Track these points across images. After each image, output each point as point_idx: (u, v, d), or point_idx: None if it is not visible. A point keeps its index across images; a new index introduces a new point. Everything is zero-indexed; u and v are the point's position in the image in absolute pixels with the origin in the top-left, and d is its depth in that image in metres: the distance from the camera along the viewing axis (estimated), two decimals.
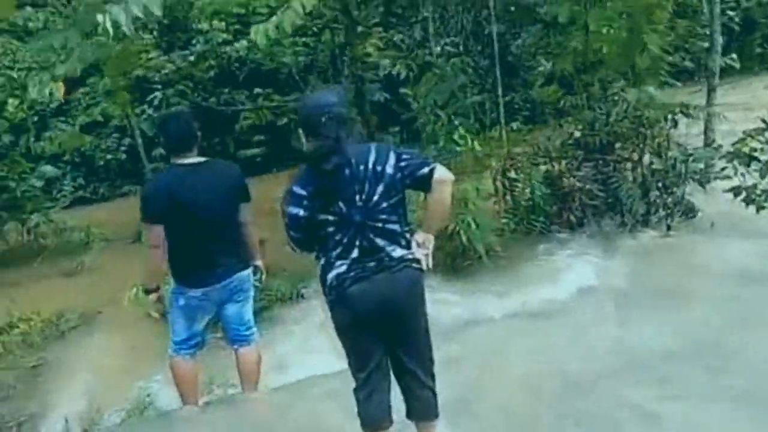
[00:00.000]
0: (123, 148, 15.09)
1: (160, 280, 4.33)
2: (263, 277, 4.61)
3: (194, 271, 4.08)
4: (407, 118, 9.80)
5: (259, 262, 4.52)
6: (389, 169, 2.91)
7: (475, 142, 6.83)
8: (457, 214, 6.50)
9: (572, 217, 7.39)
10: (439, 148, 7.29)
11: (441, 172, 2.96)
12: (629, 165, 7.15)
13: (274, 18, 5.28)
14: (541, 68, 7.66)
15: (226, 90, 16.27)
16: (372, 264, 2.95)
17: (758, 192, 6.25)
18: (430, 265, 3.20)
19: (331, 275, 2.99)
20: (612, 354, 4.55)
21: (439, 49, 9.39)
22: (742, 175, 6.56)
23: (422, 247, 3.10)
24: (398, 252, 2.99)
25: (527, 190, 7.33)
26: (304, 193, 2.90)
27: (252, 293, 4.47)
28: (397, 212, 2.98)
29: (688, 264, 6.22)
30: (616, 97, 7.16)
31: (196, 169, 4.08)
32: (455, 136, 7.07)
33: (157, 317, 5.00)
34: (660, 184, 6.93)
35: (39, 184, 11.55)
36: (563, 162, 7.25)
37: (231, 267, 4.19)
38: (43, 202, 11.20)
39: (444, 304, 5.70)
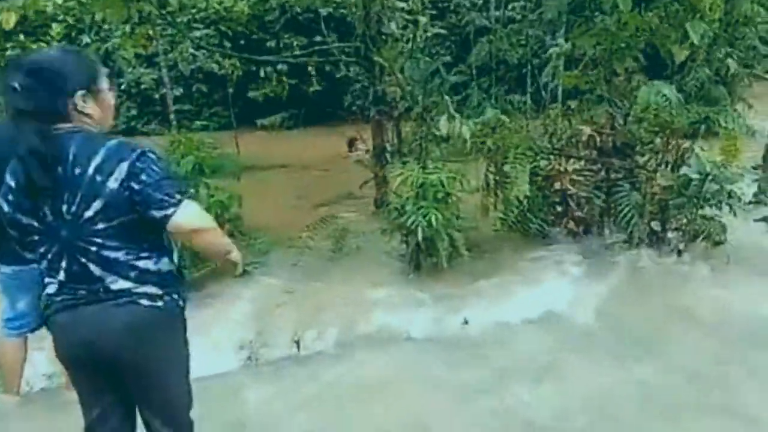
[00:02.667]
0: None
1: None
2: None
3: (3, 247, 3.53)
4: None
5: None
6: (112, 183, 2.14)
7: (464, 127, 5.92)
8: (419, 206, 5.70)
9: (572, 224, 6.42)
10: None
11: (183, 219, 2.19)
12: (643, 174, 6.06)
13: None
14: (556, 48, 6.54)
15: (287, 36, 15.74)
16: (83, 292, 2.27)
17: None
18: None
19: (43, 293, 2.34)
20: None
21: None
22: None
23: None
24: (120, 284, 2.26)
25: (521, 189, 6.40)
26: (11, 183, 2.20)
27: None
28: (124, 237, 2.23)
29: (686, 306, 5.15)
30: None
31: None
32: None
33: None
34: (673, 203, 5.81)
35: None
36: (569, 160, 6.23)
37: None
38: None
39: (370, 311, 5.01)
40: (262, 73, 14.72)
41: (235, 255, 2.58)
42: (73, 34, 16.07)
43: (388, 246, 6.52)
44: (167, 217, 2.17)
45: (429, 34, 9.23)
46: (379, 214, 7.66)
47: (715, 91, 7.56)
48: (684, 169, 5.59)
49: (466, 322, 5.09)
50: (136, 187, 2.15)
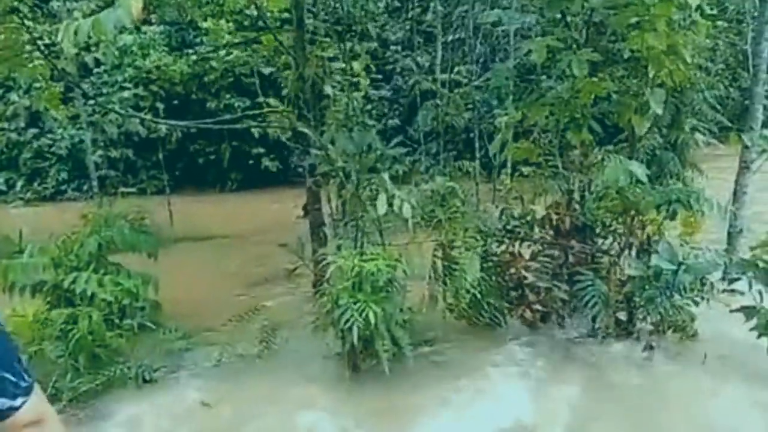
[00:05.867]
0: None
1: None
2: None
3: None
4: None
5: None
6: None
7: (405, 205, 5.20)
8: (355, 300, 4.89)
9: (529, 313, 5.68)
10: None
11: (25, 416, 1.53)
12: (606, 260, 5.40)
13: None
14: (505, 117, 5.92)
15: (228, 96, 15.07)
16: None
17: None
18: None
19: None
20: None
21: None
22: (759, 293, 4.80)
23: None
24: None
25: (471, 275, 5.64)
26: None
27: None
28: None
29: (665, 424, 4.40)
30: (598, 167, 5.42)
31: None
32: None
33: None
34: (641, 294, 5.14)
35: None
36: (521, 244, 5.53)
37: None
38: None
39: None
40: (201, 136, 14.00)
41: None
42: (1, 92, 15.13)
43: (322, 342, 5.65)
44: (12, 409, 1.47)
45: (371, 97, 8.61)
46: (316, 301, 6.80)
47: (666, 157, 7.10)
48: (654, 258, 4.93)
49: None
50: None
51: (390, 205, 5.37)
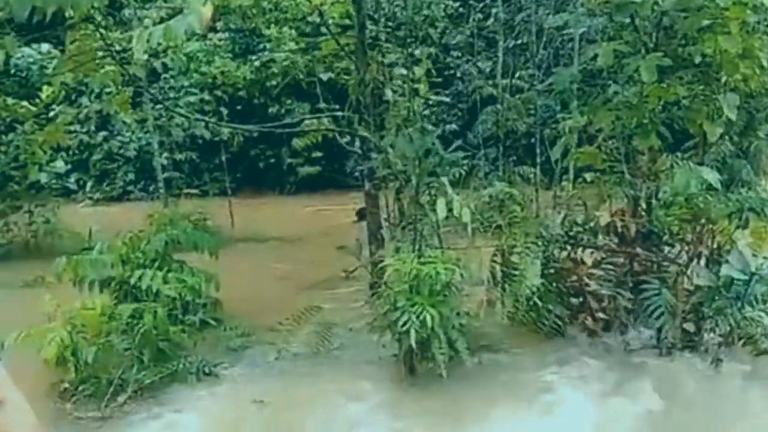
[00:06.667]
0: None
1: None
2: None
3: None
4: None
5: None
6: None
7: (464, 209, 5.16)
8: (413, 302, 4.88)
9: (591, 321, 5.55)
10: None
11: None
12: (673, 269, 5.22)
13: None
14: (569, 122, 5.81)
15: (289, 101, 15.34)
16: None
17: None
18: None
19: None
20: None
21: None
22: None
23: None
24: None
25: (531, 281, 5.56)
26: None
27: None
28: None
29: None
30: (666, 174, 5.25)
31: None
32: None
33: None
34: (710, 305, 4.95)
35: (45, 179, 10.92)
36: (584, 251, 5.41)
37: None
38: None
39: None
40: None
41: None
42: (73, 96, 15.77)
43: (378, 343, 5.66)
44: None
45: (431, 102, 8.61)
46: (373, 303, 6.81)
47: (738, 165, 6.84)
48: (725, 267, 4.75)
49: None
50: None
51: (449, 209, 5.36)
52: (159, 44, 8.01)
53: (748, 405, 4.57)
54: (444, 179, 5.31)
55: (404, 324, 4.89)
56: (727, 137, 6.54)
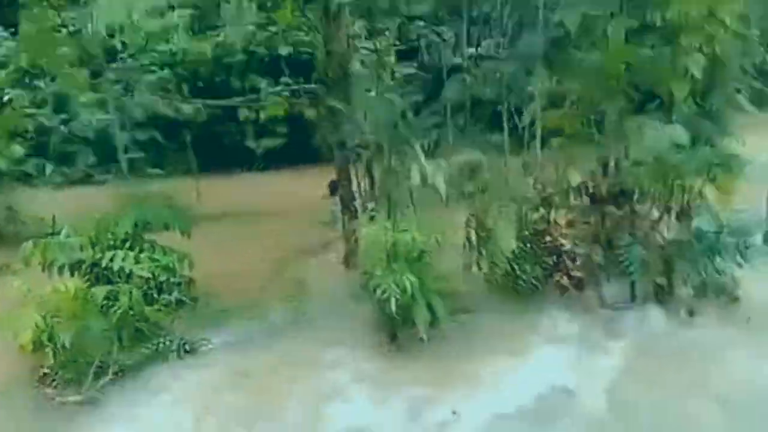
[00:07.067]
0: None
1: None
2: None
3: None
4: None
5: None
6: None
7: (437, 176, 5.17)
8: (389, 271, 4.90)
9: (566, 280, 5.66)
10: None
11: None
12: (645, 224, 5.34)
13: None
14: (539, 86, 5.84)
15: (252, 76, 15.06)
16: None
17: None
18: None
19: None
20: None
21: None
22: None
23: None
24: None
25: (506, 244, 5.62)
26: None
27: None
28: None
29: (710, 385, 4.37)
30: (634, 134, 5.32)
31: None
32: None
33: None
34: (682, 257, 5.08)
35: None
36: (558, 211, 5.49)
37: None
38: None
39: (336, 404, 4.14)
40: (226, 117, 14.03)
41: None
42: (27, 79, 15.24)
43: (358, 311, 5.69)
44: None
45: (398, 74, 8.56)
46: (348, 273, 6.83)
47: (702, 125, 6.97)
48: (696, 221, 4.86)
49: (454, 413, 4.26)
50: None
51: (422, 177, 5.37)
52: (116, 21, 7.79)
53: (722, 354, 4.72)
54: (416, 146, 5.30)
55: (384, 291, 4.92)
56: (690, 98, 6.66)
